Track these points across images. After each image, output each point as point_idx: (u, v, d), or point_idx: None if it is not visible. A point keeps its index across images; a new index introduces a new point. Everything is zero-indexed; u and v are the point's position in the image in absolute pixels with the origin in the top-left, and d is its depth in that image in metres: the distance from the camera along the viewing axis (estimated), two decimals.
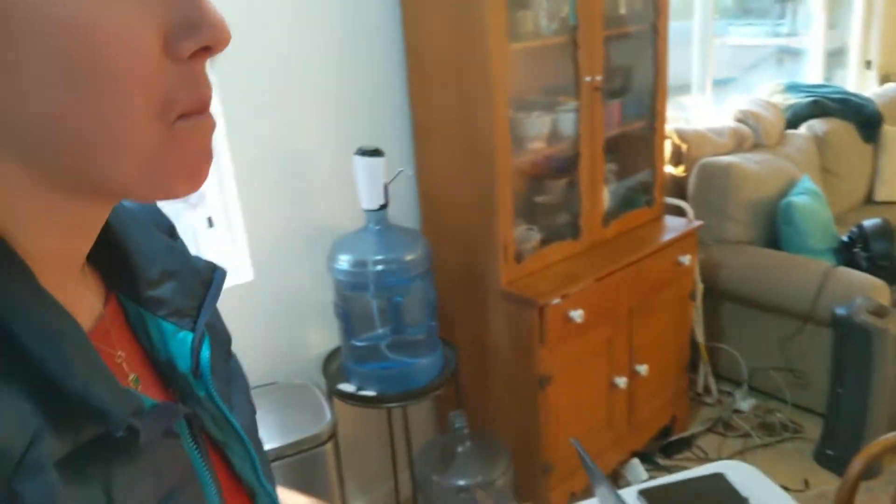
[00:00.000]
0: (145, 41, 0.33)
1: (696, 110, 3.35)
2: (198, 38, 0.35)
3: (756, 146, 3.14)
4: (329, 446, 1.79)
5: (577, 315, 1.93)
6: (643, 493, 1.17)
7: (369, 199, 1.78)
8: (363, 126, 2.00)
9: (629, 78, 2.39)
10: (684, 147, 2.94)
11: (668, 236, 2.28)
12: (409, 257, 1.86)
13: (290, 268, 1.97)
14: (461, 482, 1.93)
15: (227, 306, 1.96)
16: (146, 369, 0.48)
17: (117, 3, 0.32)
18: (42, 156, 0.34)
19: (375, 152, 1.74)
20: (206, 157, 0.39)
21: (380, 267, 1.83)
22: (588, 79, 2.02)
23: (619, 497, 0.92)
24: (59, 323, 0.36)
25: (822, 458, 2.33)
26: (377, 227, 1.82)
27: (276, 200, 1.90)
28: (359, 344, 1.94)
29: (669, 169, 2.88)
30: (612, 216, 2.27)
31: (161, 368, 0.49)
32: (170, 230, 0.55)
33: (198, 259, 0.54)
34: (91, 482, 0.35)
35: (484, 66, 1.76)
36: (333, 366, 2.04)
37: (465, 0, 1.75)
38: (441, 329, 2.01)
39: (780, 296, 2.55)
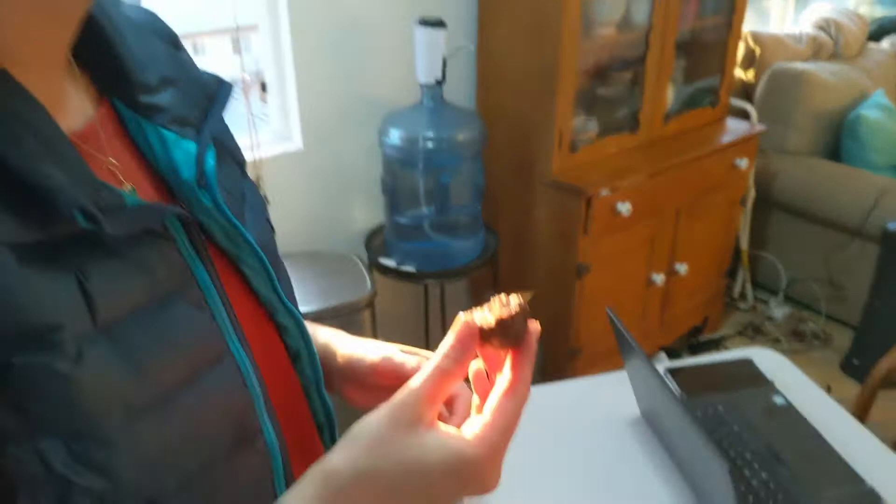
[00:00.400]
0: None
1: (777, 17, 3.16)
2: None
3: (833, 56, 2.97)
4: (367, 314, 1.85)
5: (625, 208, 1.92)
6: (671, 372, 1.21)
7: (426, 72, 1.75)
8: None
9: None
10: (758, 51, 2.79)
11: (728, 138, 2.22)
12: (461, 137, 1.84)
13: (341, 139, 1.97)
14: None
15: (275, 174, 1.98)
16: (147, 180, 0.47)
17: None
18: None
19: (438, 23, 1.69)
20: None
21: (430, 144, 1.82)
22: None
23: (652, 366, 0.95)
24: (14, 101, 0.35)
25: (848, 367, 2.36)
26: (431, 104, 1.80)
27: (331, 69, 1.88)
28: (403, 221, 1.96)
29: (739, 73, 2.75)
30: (673, 113, 2.21)
31: (165, 180, 0.48)
32: (172, 40, 0.53)
33: (203, 72, 0.52)
34: (63, 269, 0.35)
35: None
36: (376, 241, 2.07)
37: None
38: (485, 213, 2.02)
39: (834, 208, 2.49)
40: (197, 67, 0.53)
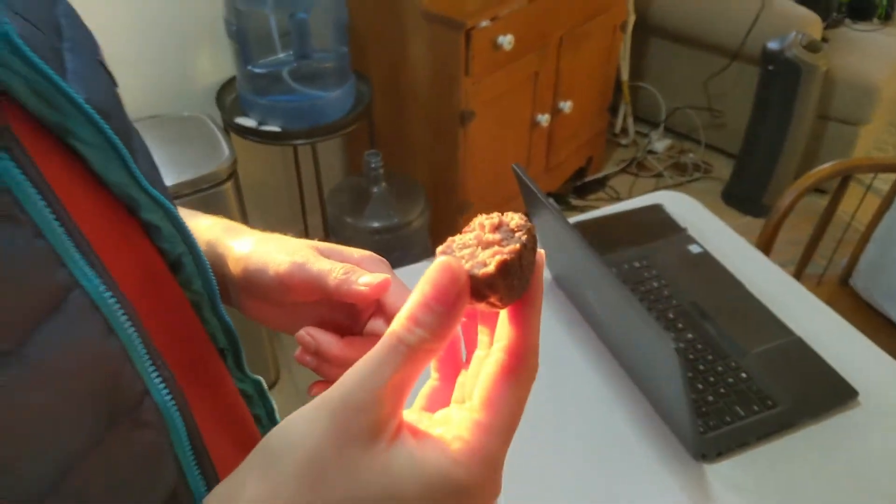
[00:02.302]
0: None
1: None
2: None
3: None
4: (229, 185, 1.62)
5: (507, 41, 1.71)
6: (577, 226, 1.09)
7: None
8: None
9: None
10: None
11: None
12: None
13: None
14: (376, 224, 1.84)
15: (88, 17, 1.60)
16: None
17: None
18: None
19: None
20: None
21: None
22: None
23: (567, 224, 0.82)
24: None
25: (729, 198, 2.41)
26: None
27: None
28: (258, 71, 1.68)
29: None
30: None
31: None
32: None
33: None
34: None
35: None
36: (229, 98, 1.80)
37: None
38: (353, 58, 1.76)
39: (712, 29, 2.41)
40: None
